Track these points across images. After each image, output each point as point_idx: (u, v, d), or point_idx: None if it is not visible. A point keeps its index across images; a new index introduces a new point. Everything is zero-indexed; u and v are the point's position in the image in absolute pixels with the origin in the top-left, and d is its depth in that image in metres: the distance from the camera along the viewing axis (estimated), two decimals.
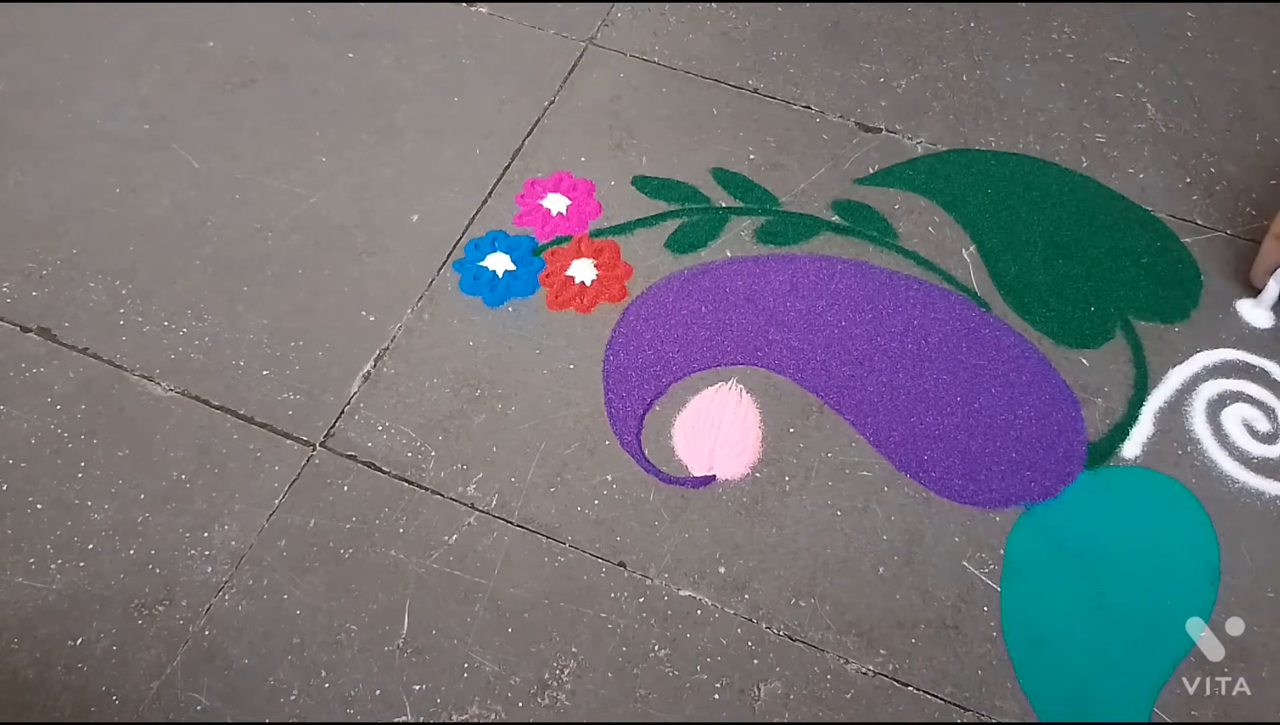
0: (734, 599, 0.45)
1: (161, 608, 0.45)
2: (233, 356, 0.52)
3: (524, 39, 0.64)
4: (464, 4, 0.66)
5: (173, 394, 0.51)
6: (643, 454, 0.48)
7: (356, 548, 0.46)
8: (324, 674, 0.43)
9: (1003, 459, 0.48)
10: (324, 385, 0.51)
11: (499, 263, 0.54)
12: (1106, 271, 0.54)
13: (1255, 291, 0.51)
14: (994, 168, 0.58)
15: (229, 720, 0.42)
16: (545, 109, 0.61)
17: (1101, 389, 0.50)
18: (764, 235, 0.55)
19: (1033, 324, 0.52)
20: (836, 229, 0.55)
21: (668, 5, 0.66)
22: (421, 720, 0.42)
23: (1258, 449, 0.48)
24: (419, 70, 0.63)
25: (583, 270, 0.54)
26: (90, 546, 0.47)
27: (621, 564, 0.46)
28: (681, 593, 0.45)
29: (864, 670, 0.43)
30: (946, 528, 0.46)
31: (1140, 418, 0.49)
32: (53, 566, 0.46)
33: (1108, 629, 0.44)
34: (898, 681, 0.43)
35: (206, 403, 0.50)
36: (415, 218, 0.57)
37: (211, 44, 0.64)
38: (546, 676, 0.43)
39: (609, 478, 0.48)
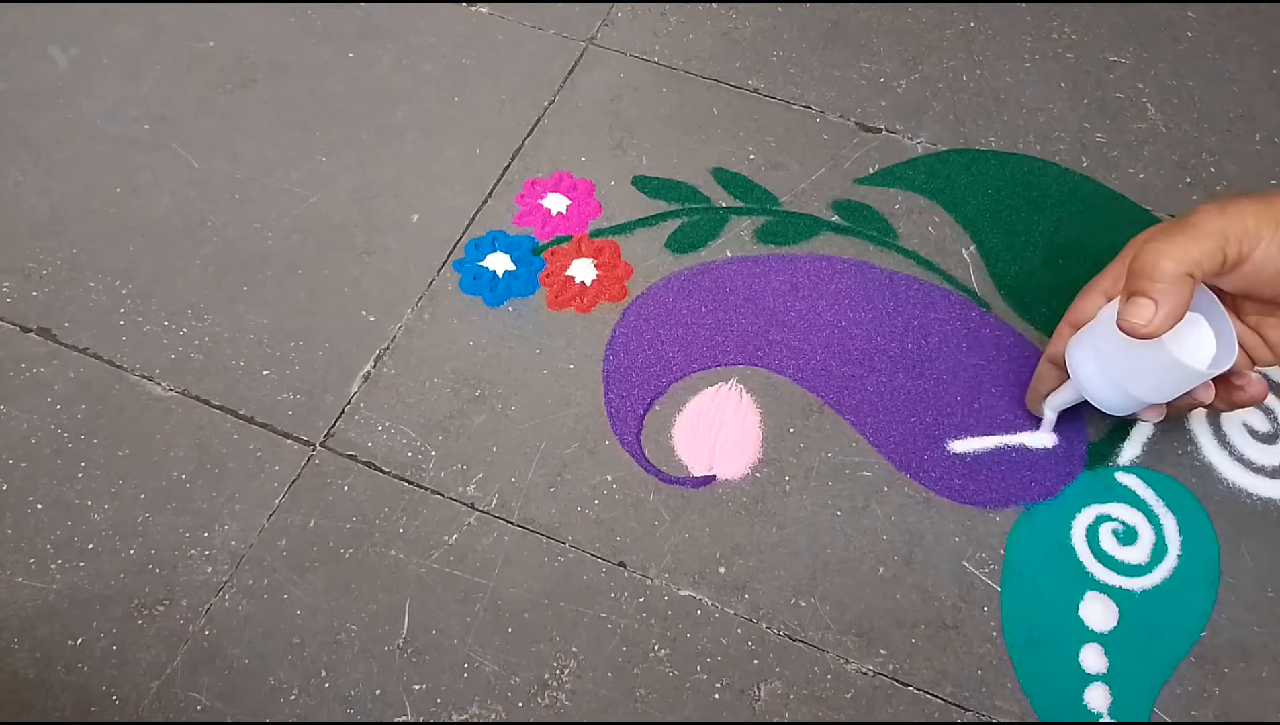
0: (734, 599, 0.45)
1: (161, 608, 0.45)
2: (233, 356, 0.52)
3: (524, 39, 0.64)
4: (464, 4, 0.66)
5: (173, 394, 0.51)
6: (643, 454, 0.48)
7: (356, 548, 0.46)
8: (324, 674, 0.43)
9: (1003, 459, 0.48)
10: (324, 385, 0.51)
11: (499, 263, 0.54)
12: None
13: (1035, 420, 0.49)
14: (994, 168, 0.58)
15: (229, 720, 0.42)
16: (545, 109, 0.61)
17: None
18: (764, 235, 0.55)
19: (1033, 324, 0.52)
20: (836, 229, 0.56)
21: (668, 5, 0.66)
22: (421, 720, 0.42)
23: (1258, 450, 0.48)
24: (419, 70, 0.63)
25: (583, 270, 0.54)
26: (90, 546, 0.47)
27: (621, 564, 0.46)
28: (681, 593, 0.45)
29: (864, 670, 0.43)
30: (946, 528, 0.46)
31: None
32: (53, 566, 0.46)
33: (1108, 629, 0.44)
34: (898, 681, 0.43)
35: (206, 403, 0.50)
36: (415, 218, 0.57)
37: (211, 44, 0.64)
38: (546, 676, 0.43)
39: (609, 478, 0.48)
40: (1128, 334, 0.40)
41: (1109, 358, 0.43)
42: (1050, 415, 0.48)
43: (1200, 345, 0.42)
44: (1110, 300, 0.44)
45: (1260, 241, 0.40)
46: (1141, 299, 0.40)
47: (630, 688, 0.43)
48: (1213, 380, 0.43)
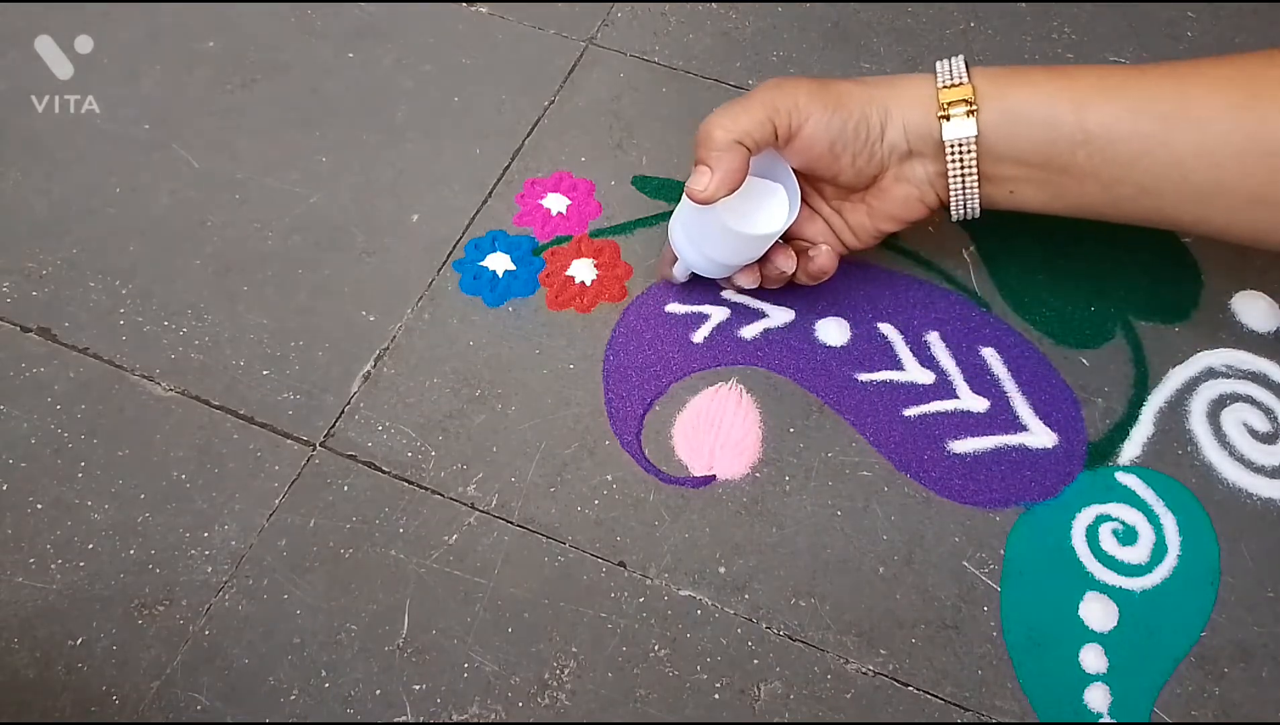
0: (734, 599, 0.45)
1: (161, 608, 0.45)
2: (233, 356, 0.52)
3: (524, 39, 0.64)
4: (464, 4, 0.66)
5: (173, 394, 0.51)
6: (643, 454, 0.48)
7: (356, 548, 0.46)
8: (324, 674, 0.43)
9: (1003, 459, 0.48)
10: (324, 385, 0.51)
11: (499, 263, 0.54)
12: (1106, 271, 0.54)
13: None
14: None
15: (229, 720, 0.42)
16: (545, 109, 0.61)
17: (1101, 389, 0.50)
18: None
19: (1033, 324, 0.52)
20: None
21: (668, 5, 0.66)
22: (421, 720, 0.42)
23: (1258, 450, 0.48)
24: (419, 70, 0.63)
25: (583, 270, 0.54)
26: (90, 546, 0.47)
27: (621, 564, 0.46)
28: (681, 593, 0.45)
29: (864, 670, 0.43)
30: (946, 528, 0.46)
31: (1140, 418, 0.49)
32: (53, 566, 0.46)
33: (1108, 629, 0.44)
34: (898, 681, 0.43)
35: (206, 403, 0.50)
36: (415, 218, 0.57)
37: (211, 44, 0.64)
38: (546, 676, 0.43)
39: (609, 478, 0.48)
40: (691, 200, 0.45)
41: (690, 226, 0.48)
42: (679, 279, 0.52)
43: (776, 214, 0.47)
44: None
45: (809, 118, 0.45)
46: (700, 166, 0.45)
47: (630, 688, 0.43)
48: (794, 251, 0.49)
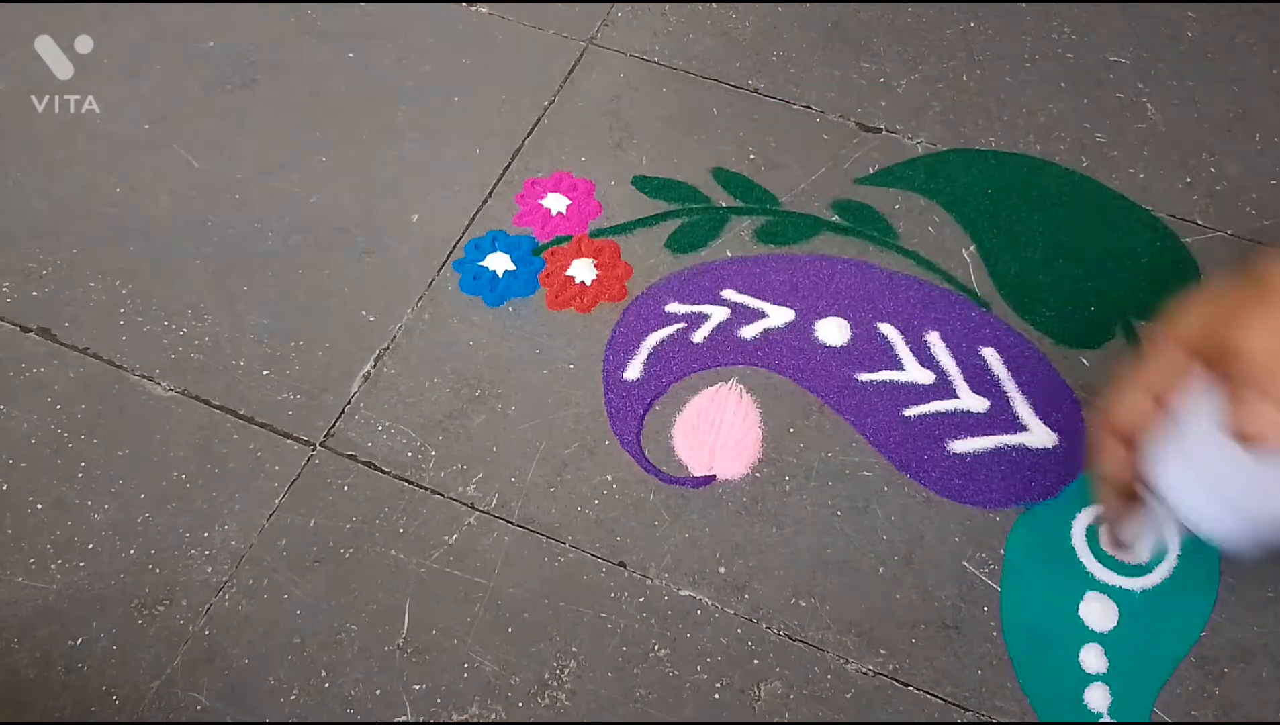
0: (734, 599, 0.45)
1: (161, 608, 0.45)
2: (233, 356, 0.52)
3: (524, 39, 0.64)
4: (464, 4, 0.66)
5: (173, 394, 0.51)
6: (643, 454, 0.48)
7: (356, 548, 0.46)
8: (324, 674, 0.43)
9: (1003, 459, 0.48)
10: (324, 385, 0.51)
11: (499, 263, 0.54)
12: (1107, 271, 0.54)
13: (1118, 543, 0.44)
14: (994, 168, 0.58)
15: (229, 720, 0.42)
16: (545, 109, 0.61)
17: (1102, 389, 0.50)
18: (764, 235, 0.55)
19: (1033, 324, 0.52)
20: (836, 229, 0.56)
21: (668, 5, 0.66)
22: (421, 720, 0.42)
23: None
24: (419, 70, 0.63)
25: (583, 270, 0.54)
26: (90, 546, 0.47)
27: (621, 564, 0.46)
28: (681, 593, 0.45)
29: (864, 670, 0.43)
30: (946, 528, 0.46)
31: None
32: (53, 566, 0.46)
33: (1108, 629, 0.44)
34: (898, 681, 0.43)
35: (206, 403, 0.50)
36: (415, 218, 0.57)
37: (211, 44, 0.64)
38: (546, 676, 0.43)
39: (609, 478, 0.48)
40: (1259, 448, 0.32)
41: (1227, 482, 0.34)
42: (1144, 556, 0.42)
43: None
44: (1163, 402, 0.35)
45: None
46: (1258, 399, 0.31)
47: (630, 688, 0.43)
48: None
